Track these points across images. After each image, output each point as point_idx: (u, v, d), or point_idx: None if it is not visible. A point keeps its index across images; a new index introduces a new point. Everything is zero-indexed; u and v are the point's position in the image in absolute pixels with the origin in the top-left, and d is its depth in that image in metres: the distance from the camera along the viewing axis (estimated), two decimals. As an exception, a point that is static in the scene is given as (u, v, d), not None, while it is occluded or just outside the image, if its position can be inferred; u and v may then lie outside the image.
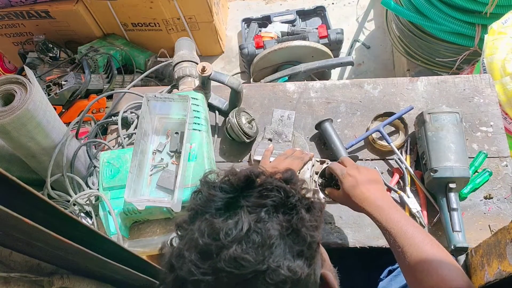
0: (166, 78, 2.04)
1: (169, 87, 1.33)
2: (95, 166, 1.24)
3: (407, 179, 1.10)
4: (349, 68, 2.31)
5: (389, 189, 1.10)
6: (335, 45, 1.94)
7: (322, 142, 1.20)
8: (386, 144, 1.13)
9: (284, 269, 0.52)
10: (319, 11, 2.19)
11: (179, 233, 0.60)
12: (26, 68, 1.11)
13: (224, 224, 0.54)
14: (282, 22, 2.13)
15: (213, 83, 1.19)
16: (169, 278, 0.56)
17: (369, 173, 0.89)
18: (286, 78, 1.74)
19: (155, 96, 1.08)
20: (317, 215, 0.60)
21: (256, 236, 0.53)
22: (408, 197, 1.08)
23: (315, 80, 1.76)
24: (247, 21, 2.26)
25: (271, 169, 0.65)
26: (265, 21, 2.21)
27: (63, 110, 1.85)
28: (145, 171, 1.06)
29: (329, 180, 0.97)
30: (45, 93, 1.73)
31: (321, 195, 0.95)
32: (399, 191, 1.09)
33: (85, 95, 1.89)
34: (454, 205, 1.00)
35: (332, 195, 0.94)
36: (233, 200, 0.57)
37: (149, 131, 1.11)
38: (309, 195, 0.61)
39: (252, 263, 0.51)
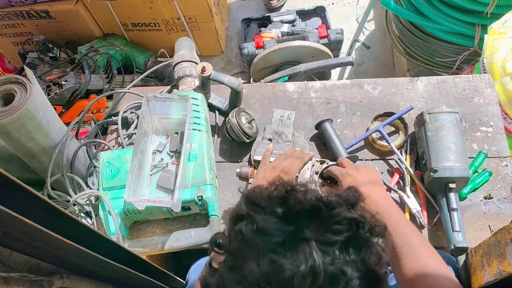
0: (166, 78, 2.04)
1: (169, 87, 1.33)
2: (95, 166, 1.24)
3: (407, 179, 1.10)
4: (349, 68, 2.31)
5: (389, 189, 1.10)
6: (335, 45, 1.94)
7: (322, 142, 1.20)
8: (386, 144, 1.13)
9: None
10: (319, 11, 2.19)
11: (219, 252, 0.54)
12: (26, 68, 1.11)
13: (295, 269, 0.46)
14: (282, 22, 2.13)
15: (213, 83, 1.19)
16: None
17: (369, 173, 0.89)
18: (286, 78, 1.74)
19: (155, 96, 1.08)
20: (384, 242, 0.55)
21: (334, 285, 0.47)
22: (408, 197, 1.08)
23: (315, 80, 1.76)
24: (247, 21, 2.26)
25: (335, 191, 0.58)
26: (265, 21, 2.21)
27: (63, 110, 1.85)
28: (145, 171, 1.06)
29: (330, 183, 0.97)
30: (45, 93, 1.73)
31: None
32: (399, 191, 1.09)
33: (85, 95, 1.89)
34: (454, 205, 1.00)
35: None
36: (296, 231, 0.50)
37: (149, 131, 1.11)
38: (374, 219, 0.54)
39: None
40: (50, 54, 2.03)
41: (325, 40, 1.92)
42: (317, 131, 1.20)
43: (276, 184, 0.55)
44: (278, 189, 0.54)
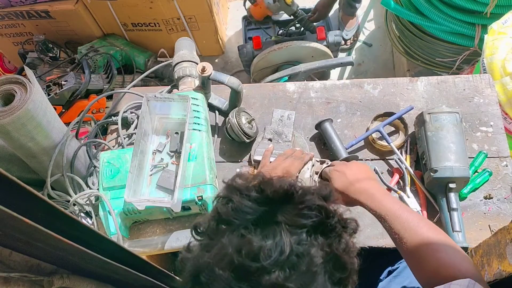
0: (166, 78, 2.04)
1: (169, 87, 1.33)
2: (95, 166, 1.24)
3: (407, 179, 1.10)
4: (349, 68, 2.31)
5: (389, 189, 1.10)
6: (333, 47, 1.94)
7: (322, 142, 1.20)
8: (386, 144, 1.13)
9: None
10: (319, 11, 2.18)
11: (199, 238, 0.57)
12: (26, 68, 1.11)
13: (263, 243, 0.49)
14: (282, 21, 2.12)
15: (213, 83, 1.19)
16: None
17: (358, 167, 0.89)
18: (286, 78, 1.74)
19: (155, 96, 1.08)
20: (354, 237, 0.57)
21: (299, 261, 0.49)
22: (408, 197, 1.08)
23: (315, 80, 1.76)
24: (248, 18, 2.25)
25: (309, 183, 0.61)
26: (265, 18, 2.20)
27: (63, 110, 1.85)
28: (145, 171, 1.06)
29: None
30: (45, 93, 1.73)
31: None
32: (399, 191, 1.09)
33: (85, 95, 1.89)
34: (454, 205, 1.00)
35: None
36: (269, 213, 0.53)
37: (149, 131, 1.11)
38: (346, 215, 0.57)
39: None
40: (50, 54, 2.03)
41: (324, 42, 1.92)
42: (317, 131, 1.20)
43: (255, 176, 0.59)
44: (257, 178, 0.58)
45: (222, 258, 0.50)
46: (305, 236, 0.51)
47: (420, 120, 1.10)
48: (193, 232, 0.58)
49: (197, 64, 1.22)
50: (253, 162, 1.10)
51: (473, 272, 0.67)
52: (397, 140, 1.16)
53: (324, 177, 0.96)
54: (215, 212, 0.56)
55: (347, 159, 1.08)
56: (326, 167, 0.96)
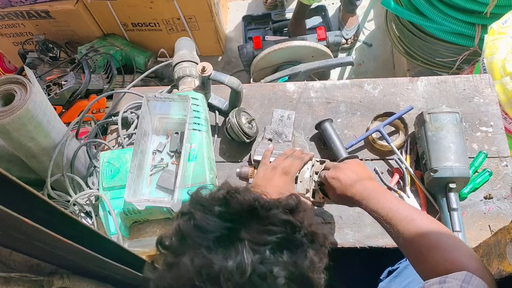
0: (166, 78, 2.04)
1: (169, 87, 1.33)
2: (95, 166, 1.24)
3: (407, 179, 1.10)
4: (349, 68, 2.31)
5: (389, 189, 1.10)
6: (333, 47, 1.94)
7: (322, 142, 1.20)
8: (386, 144, 1.13)
9: None
10: (319, 10, 2.19)
11: (164, 252, 0.55)
12: (26, 68, 1.11)
13: (224, 263, 0.48)
14: (283, 21, 2.13)
15: (213, 83, 1.19)
16: None
17: (350, 169, 0.88)
18: (286, 78, 1.74)
19: (155, 96, 1.08)
20: (322, 251, 0.55)
21: (261, 282, 0.48)
22: (408, 197, 1.08)
23: (315, 80, 1.76)
24: (248, 18, 2.25)
25: (276, 195, 0.59)
26: (266, 18, 2.21)
27: (63, 110, 1.84)
28: (145, 171, 1.06)
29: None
30: (45, 93, 1.73)
31: (321, 195, 0.95)
32: (399, 191, 1.09)
33: (85, 95, 1.89)
34: (454, 205, 1.00)
35: (329, 195, 0.94)
36: (232, 230, 0.51)
37: (149, 131, 1.11)
38: (314, 228, 0.55)
39: None
40: (50, 54, 2.03)
41: (324, 43, 1.92)
42: (317, 131, 1.20)
43: (221, 186, 0.57)
44: (221, 191, 0.56)
45: (183, 281, 0.49)
46: (269, 254, 0.49)
47: (420, 120, 1.10)
48: (159, 245, 0.56)
49: (197, 64, 1.22)
50: (253, 162, 1.10)
51: (474, 266, 0.66)
52: (397, 140, 1.16)
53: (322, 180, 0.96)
54: (178, 228, 0.54)
55: (346, 159, 1.08)
56: (322, 171, 0.96)
